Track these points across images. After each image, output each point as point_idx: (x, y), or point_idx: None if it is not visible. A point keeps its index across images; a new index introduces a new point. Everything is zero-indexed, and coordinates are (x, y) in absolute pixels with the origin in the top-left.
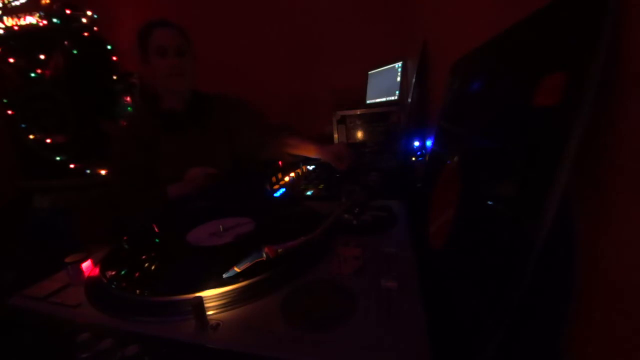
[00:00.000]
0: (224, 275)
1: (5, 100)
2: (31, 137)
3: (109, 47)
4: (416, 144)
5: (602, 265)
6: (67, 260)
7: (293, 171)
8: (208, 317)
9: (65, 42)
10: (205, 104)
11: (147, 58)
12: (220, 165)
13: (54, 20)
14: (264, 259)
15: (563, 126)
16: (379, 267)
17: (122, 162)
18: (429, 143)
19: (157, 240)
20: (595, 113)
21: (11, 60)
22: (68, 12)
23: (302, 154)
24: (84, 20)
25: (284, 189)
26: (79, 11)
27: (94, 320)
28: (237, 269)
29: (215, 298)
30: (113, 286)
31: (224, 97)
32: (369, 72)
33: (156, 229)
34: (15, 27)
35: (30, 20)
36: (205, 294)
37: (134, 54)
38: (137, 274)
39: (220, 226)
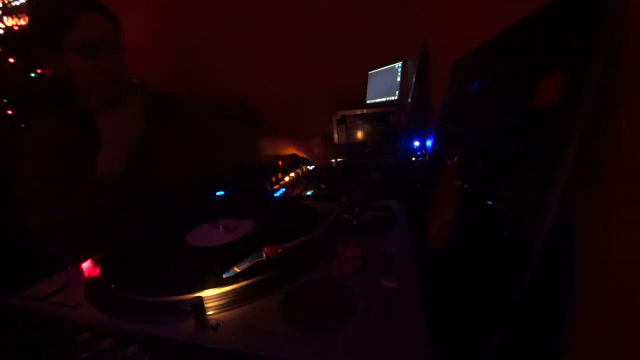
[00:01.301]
0: (224, 275)
1: (5, 100)
2: None
3: None
4: (416, 144)
5: (602, 265)
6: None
7: (293, 171)
8: (208, 317)
9: None
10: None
11: (60, 53)
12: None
13: None
14: (264, 259)
15: (563, 126)
16: (379, 267)
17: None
18: (429, 143)
19: (157, 240)
20: (595, 113)
21: (11, 60)
22: None
23: (279, 152)
24: None
25: (284, 189)
26: None
27: (94, 320)
28: (237, 269)
29: (215, 298)
30: (113, 286)
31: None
32: (369, 72)
33: (156, 229)
34: (15, 27)
35: None
36: (205, 294)
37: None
38: (137, 274)
39: (220, 226)
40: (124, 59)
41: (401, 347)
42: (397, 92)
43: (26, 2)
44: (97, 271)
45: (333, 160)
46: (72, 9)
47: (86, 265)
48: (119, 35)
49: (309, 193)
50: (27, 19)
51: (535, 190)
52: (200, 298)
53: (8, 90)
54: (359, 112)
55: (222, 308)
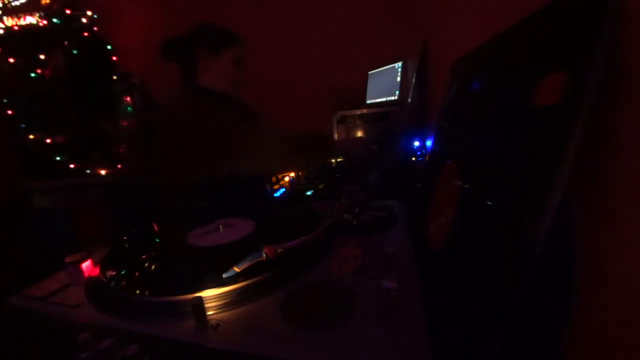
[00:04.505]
0: (224, 275)
1: (5, 100)
2: (31, 137)
3: (109, 47)
4: (416, 144)
5: (603, 265)
6: (67, 260)
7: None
8: (208, 317)
9: (65, 42)
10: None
11: (216, 56)
12: None
13: (54, 20)
14: (264, 259)
15: (563, 126)
16: (379, 267)
17: None
18: (429, 143)
19: (157, 240)
20: (595, 113)
21: (11, 60)
22: (68, 12)
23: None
24: (84, 20)
25: (284, 189)
26: (79, 11)
27: (94, 320)
28: (236, 269)
29: (215, 298)
30: (113, 286)
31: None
32: (369, 72)
33: (156, 229)
34: (15, 27)
35: (30, 20)
36: (205, 294)
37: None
38: (137, 274)
39: (220, 226)
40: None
41: (401, 347)
42: (397, 92)
43: (198, 22)
44: (97, 271)
45: (333, 160)
46: (235, 39)
47: (86, 265)
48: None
49: (309, 193)
50: (27, 18)
51: (535, 190)
52: (200, 298)
53: (8, 90)
54: (358, 112)
55: (222, 308)
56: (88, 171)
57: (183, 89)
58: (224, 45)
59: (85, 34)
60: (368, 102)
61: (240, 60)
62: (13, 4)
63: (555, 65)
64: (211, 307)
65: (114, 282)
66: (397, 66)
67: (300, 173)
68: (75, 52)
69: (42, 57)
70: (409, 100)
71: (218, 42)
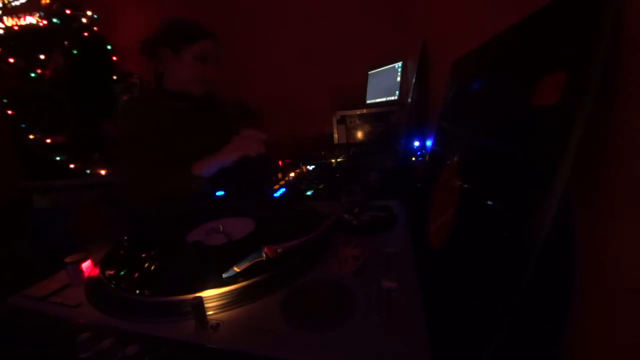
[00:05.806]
0: (224, 275)
1: (5, 100)
2: (31, 137)
3: (109, 47)
4: (416, 144)
5: (602, 265)
6: (67, 260)
7: (293, 171)
8: (208, 317)
9: (65, 42)
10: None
11: (178, 55)
12: None
13: (54, 20)
14: (264, 259)
15: (563, 126)
16: (379, 267)
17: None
18: (429, 143)
19: (157, 240)
20: (595, 113)
21: (11, 60)
22: (68, 12)
23: None
24: (84, 20)
25: (284, 189)
26: (79, 11)
27: (94, 320)
28: (236, 269)
29: (215, 298)
30: (113, 286)
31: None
32: (369, 72)
33: (156, 229)
34: (15, 27)
35: (30, 20)
36: (205, 294)
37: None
38: (137, 274)
39: (220, 226)
40: (220, 71)
41: (401, 347)
42: (397, 92)
43: (165, 19)
44: (97, 271)
45: (333, 160)
46: (196, 34)
47: (86, 265)
48: (221, 54)
49: (309, 193)
50: (27, 18)
51: (535, 190)
52: (200, 298)
53: (8, 90)
54: (358, 112)
55: (222, 308)
56: (88, 171)
57: (154, 94)
58: (186, 42)
59: (85, 34)
60: (368, 102)
61: (209, 56)
62: (13, 4)
63: (555, 64)
64: (211, 307)
65: (113, 282)
66: (397, 66)
67: (300, 173)
68: (75, 52)
69: (42, 57)
70: (409, 100)
71: (180, 40)
